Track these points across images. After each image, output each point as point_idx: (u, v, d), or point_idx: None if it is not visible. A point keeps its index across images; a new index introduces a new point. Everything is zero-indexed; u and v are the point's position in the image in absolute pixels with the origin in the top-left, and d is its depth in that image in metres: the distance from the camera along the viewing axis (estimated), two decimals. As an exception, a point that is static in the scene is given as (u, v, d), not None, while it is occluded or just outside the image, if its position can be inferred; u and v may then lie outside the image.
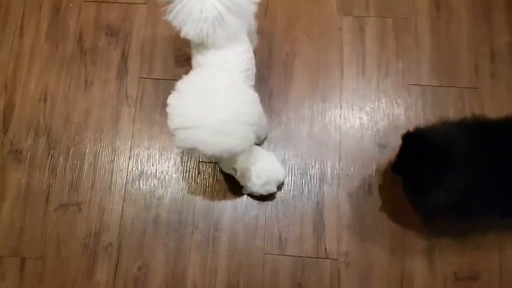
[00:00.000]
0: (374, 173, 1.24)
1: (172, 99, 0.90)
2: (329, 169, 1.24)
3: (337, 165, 1.25)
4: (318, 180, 1.24)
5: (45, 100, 1.29)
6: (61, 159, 1.26)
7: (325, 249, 1.20)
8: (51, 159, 1.25)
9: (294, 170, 1.25)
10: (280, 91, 1.29)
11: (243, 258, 1.19)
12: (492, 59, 1.30)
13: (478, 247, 1.18)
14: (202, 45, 0.97)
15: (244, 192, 1.20)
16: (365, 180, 1.24)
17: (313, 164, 1.25)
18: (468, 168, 0.94)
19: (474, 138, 0.98)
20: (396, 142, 1.07)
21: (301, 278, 1.18)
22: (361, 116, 1.28)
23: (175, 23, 0.92)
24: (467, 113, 1.25)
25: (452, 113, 1.27)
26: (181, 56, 1.30)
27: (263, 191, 1.16)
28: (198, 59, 0.99)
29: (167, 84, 1.29)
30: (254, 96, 0.94)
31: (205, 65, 0.97)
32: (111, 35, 1.33)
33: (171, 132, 0.89)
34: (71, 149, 1.26)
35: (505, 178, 0.97)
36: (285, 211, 1.22)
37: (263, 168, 1.14)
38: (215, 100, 0.87)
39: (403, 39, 1.33)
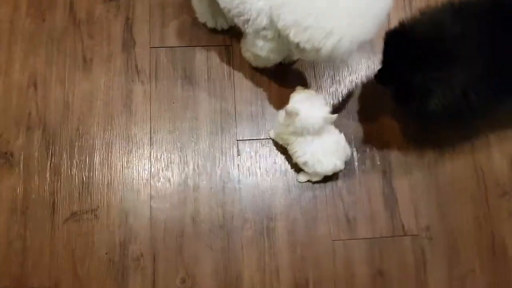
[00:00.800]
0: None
1: (297, 34, 0.72)
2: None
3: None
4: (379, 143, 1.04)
5: (35, 86, 1.03)
6: (64, 157, 1.00)
7: (402, 226, 1.00)
8: (51, 158, 1.00)
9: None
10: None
11: (308, 249, 0.97)
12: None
13: None
14: None
15: (301, 180, 0.99)
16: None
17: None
18: (469, 55, 0.79)
19: (467, 21, 0.82)
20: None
21: (380, 263, 0.98)
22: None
23: None
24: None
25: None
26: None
27: (330, 169, 0.94)
28: None
29: (184, 52, 1.06)
30: None
31: None
32: (110, 0, 1.09)
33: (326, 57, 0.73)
34: (76, 143, 1.01)
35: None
36: (349, 187, 1.01)
37: (333, 142, 0.92)
38: None
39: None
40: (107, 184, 0.99)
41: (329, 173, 0.95)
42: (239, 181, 1.00)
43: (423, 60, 0.80)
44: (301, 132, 0.89)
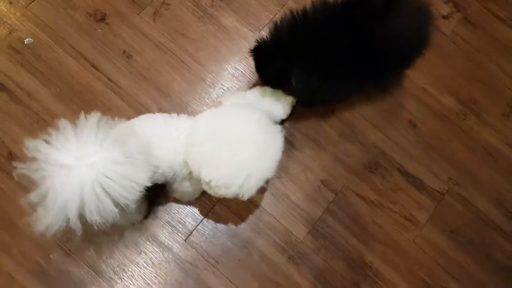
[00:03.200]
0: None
1: (208, 174, 0.84)
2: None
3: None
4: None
5: None
6: None
7: (437, 191, 1.26)
8: None
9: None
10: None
11: (406, 261, 1.19)
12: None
13: None
14: None
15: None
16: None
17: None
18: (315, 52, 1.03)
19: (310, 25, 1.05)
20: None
21: (448, 224, 1.23)
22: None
23: None
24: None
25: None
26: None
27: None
28: None
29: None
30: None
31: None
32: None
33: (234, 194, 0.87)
34: None
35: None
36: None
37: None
38: (239, 138, 0.86)
39: None
40: None
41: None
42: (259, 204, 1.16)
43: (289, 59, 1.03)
44: None
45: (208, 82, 1.27)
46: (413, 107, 1.32)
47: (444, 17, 1.43)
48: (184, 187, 1.01)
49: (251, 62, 1.14)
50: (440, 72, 1.36)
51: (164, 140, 0.90)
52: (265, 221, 1.18)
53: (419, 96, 1.33)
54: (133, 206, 0.79)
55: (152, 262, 1.12)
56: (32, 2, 1.27)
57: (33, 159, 0.73)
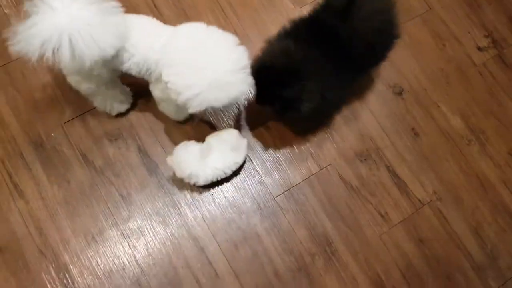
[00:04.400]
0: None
1: (168, 76, 0.95)
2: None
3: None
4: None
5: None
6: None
7: (419, 200, 1.28)
8: None
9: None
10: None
11: (366, 252, 1.21)
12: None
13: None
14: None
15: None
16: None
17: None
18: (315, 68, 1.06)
19: (301, 42, 1.08)
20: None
21: (418, 233, 1.24)
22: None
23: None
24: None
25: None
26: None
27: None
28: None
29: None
30: (234, 39, 1.00)
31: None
32: (116, 140, 1.22)
33: (182, 104, 0.96)
34: (152, 268, 1.14)
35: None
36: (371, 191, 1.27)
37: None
38: (210, 58, 0.96)
39: None
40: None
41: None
42: (292, 222, 1.21)
43: (286, 81, 1.04)
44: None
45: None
46: (420, 118, 1.36)
47: (479, 48, 1.46)
48: (160, 92, 1.08)
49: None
50: (458, 95, 1.40)
51: (145, 34, 1.01)
52: (248, 170, 1.25)
53: (429, 110, 1.37)
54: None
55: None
56: None
57: None
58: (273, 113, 1.26)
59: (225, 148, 1.15)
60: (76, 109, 1.23)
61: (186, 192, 1.21)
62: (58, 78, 1.23)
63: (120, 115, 1.24)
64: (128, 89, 1.22)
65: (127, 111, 1.24)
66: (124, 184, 1.19)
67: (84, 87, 1.08)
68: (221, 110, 1.09)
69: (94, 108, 1.22)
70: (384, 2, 1.14)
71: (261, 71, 1.06)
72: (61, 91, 1.24)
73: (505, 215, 1.29)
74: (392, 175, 1.29)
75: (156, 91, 1.10)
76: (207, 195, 1.21)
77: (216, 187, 1.22)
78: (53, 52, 0.87)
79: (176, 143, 1.20)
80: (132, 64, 1.02)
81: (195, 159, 1.13)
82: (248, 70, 1.00)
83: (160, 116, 1.23)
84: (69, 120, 1.22)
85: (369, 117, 1.34)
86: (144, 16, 1.06)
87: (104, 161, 1.20)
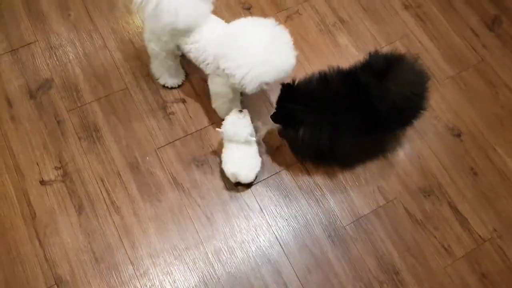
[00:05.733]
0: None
1: (224, 63, 1.10)
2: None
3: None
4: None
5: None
6: None
7: (480, 236, 1.34)
8: None
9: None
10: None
11: (432, 282, 1.27)
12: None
13: None
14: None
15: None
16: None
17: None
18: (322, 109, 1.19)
19: (329, 85, 1.21)
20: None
21: (481, 268, 1.30)
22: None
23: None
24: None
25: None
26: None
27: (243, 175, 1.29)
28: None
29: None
30: (274, 22, 1.15)
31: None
32: (202, 165, 1.35)
33: (239, 86, 1.12)
34: None
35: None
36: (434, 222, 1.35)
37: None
38: (256, 40, 1.10)
39: None
40: None
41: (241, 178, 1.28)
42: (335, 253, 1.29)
43: (299, 100, 1.19)
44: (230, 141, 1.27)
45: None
46: (478, 158, 1.45)
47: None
48: (216, 86, 1.26)
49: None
50: (515, 140, 1.49)
51: (212, 29, 1.19)
52: (319, 198, 1.35)
53: (487, 152, 1.46)
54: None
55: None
56: None
57: None
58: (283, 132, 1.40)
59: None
60: (168, 137, 1.38)
61: (262, 215, 1.31)
62: (153, 111, 1.39)
63: (208, 141, 1.38)
64: (183, 72, 1.42)
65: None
66: (208, 206, 1.30)
67: (151, 46, 1.28)
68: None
69: (184, 136, 1.37)
70: (420, 76, 1.26)
71: (285, 86, 1.22)
72: (156, 121, 1.39)
73: None
74: (454, 211, 1.37)
75: (212, 84, 1.28)
76: (281, 220, 1.31)
77: (289, 212, 1.32)
78: (142, 2, 1.11)
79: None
80: (193, 48, 1.20)
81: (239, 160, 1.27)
82: (292, 45, 1.14)
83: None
84: (162, 146, 1.36)
85: (430, 155, 1.44)
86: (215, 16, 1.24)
87: (191, 184, 1.33)
